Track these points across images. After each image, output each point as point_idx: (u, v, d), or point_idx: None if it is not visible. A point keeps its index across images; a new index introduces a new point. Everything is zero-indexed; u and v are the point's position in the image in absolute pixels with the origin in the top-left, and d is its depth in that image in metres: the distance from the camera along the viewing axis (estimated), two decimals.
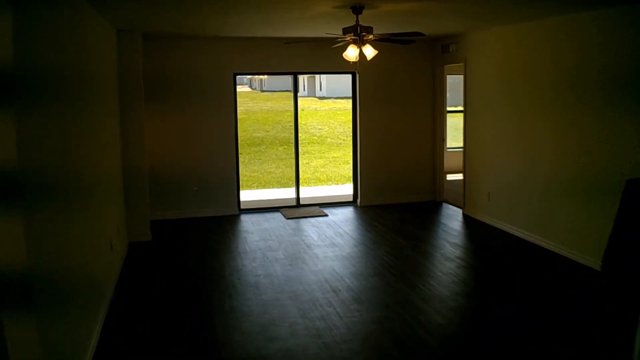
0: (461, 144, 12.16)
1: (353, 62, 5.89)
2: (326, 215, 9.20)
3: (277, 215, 9.22)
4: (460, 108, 12.54)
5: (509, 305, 5.45)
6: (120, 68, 7.44)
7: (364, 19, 5.72)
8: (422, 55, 9.79)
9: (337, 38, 5.87)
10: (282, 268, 6.60)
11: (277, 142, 18.04)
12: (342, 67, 8.27)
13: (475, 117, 8.72)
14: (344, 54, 5.77)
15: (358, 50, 5.73)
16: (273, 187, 13.87)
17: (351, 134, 10.13)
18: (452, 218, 8.95)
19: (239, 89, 10.41)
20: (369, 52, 5.76)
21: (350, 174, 10.46)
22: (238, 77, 9.44)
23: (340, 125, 21.14)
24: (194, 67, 8.94)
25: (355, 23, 5.58)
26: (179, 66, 8.88)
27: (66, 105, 4.13)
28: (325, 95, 27.66)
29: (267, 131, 19.53)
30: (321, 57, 9.03)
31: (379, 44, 6.03)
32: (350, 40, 5.73)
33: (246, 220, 8.94)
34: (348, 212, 9.47)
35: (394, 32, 5.81)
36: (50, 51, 3.76)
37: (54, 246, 3.49)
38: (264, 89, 29.16)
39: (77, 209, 4.30)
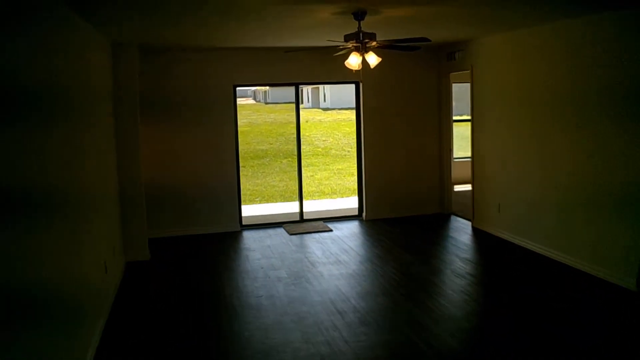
0: (467, 154, 11.88)
1: (356, 70, 5.59)
2: (331, 230, 8.89)
3: (280, 231, 8.91)
4: (465, 117, 12.30)
5: (528, 326, 5.10)
6: (116, 82, 7.17)
7: (367, 26, 5.44)
8: (427, 64, 9.51)
9: (339, 46, 5.58)
10: (284, 288, 6.28)
11: (281, 154, 17.78)
12: (345, 76, 8.00)
13: (483, 126, 8.41)
14: (346, 62, 5.48)
15: (361, 58, 5.44)
16: (276, 201, 13.56)
17: (355, 145, 9.83)
18: (461, 231, 8.62)
19: (243, 101, 10.18)
20: (372, 59, 5.47)
21: (355, 186, 10.15)
22: (242, 89, 9.17)
23: (344, 136, 20.89)
24: (192, 80, 8.66)
25: (357, 29, 5.30)
26: (177, 79, 8.60)
27: (51, 121, 3.86)
28: (329, 106, 27.49)
29: (271, 144, 19.27)
30: (323, 67, 8.77)
31: (382, 52, 5.74)
32: (353, 47, 5.45)
33: (248, 237, 8.63)
34: (353, 227, 9.15)
35: (398, 38, 5.51)
36: (36, 68, 3.53)
37: (30, 267, 3.20)
38: (268, 101, 29.01)
39: (60, 229, 4.01)
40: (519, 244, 7.55)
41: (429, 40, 5.22)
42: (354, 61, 5.43)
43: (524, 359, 4.45)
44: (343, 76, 8.20)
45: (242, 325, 5.32)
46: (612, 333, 4.86)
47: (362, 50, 5.40)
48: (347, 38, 5.38)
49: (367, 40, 5.33)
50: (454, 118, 10.86)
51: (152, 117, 8.34)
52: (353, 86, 9.62)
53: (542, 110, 7.07)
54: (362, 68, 5.63)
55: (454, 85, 9.94)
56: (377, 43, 5.40)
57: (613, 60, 5.88)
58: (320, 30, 6.37)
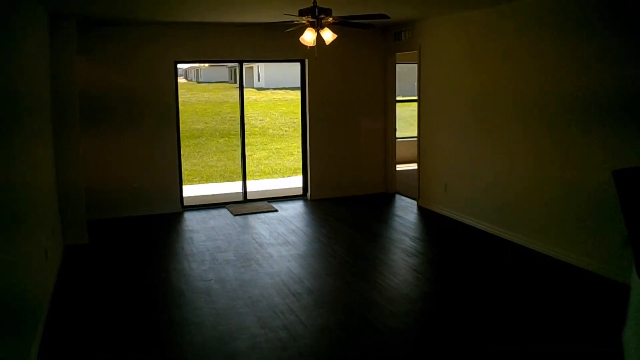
0: (405, 134, 12.00)
1: (310, 47, 5.43)
2: (276, 210, 8.74)
3: (224, 212, 8.68)
4: (406, 98, 12.37)
5: (484, 304, 5.13)
6: (53, 59, 6.72)
7: (322, 1, 5.27)
8: (373, 42, 9.41)
9: (294, 21, 5.40)
10: (234, 271, 6.10)
11: (218, 133, 17.39)
12: (292, 54, 7.80)
13: (430, 106, 8.42)
14: (301, 38, 5.31)
15: (316, 34, 5.28)
16: (216, 182, 13.25)
17: (293, 124, 9.70)
18: (407, 210, 8.64)
19: None
20: (328, 35, 5.32)
21: (296, 165, 10.04)
22: None
23: (281, 116, 20.65)
24: (132, 55, 8.24)
25: (312, 4, 5.13)
26: (116, 54, 8.17)
27: None
28: (263, 86, 27.10)
29: (206, 123, 18.83)
30: (270, 43, 8.55)
31: (336, 28, 5.59)
32: (307, 23, 5.27)
33: (191, 219, 8.37)
34: (298, 207, 9.03)
35: (355, 14, 5.37)
36: None
37: None
38: (200, 80, 28.32)
39: None
40: (466, 222, 7.62)
41: (388, 17, 5.11)
42: (309, 37, 5.26)
43: (478, 334, 4.47)
44: (290, 54, 8.00)
45: (192, 311, 5.11)
46: (559, 307, 4.94)
47: (318, 25, 5.24)
48: (302, 13, 5.20)
49: (322, 16, 5.17)
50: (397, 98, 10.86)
51: (89, 95, 7.90)
52: (289, 66, 9.42)
53: (488, 92, 7.11)
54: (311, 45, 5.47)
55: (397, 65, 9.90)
56: (333, 19, 5.25)
57: (568, 41, 5.94)
58: (272, 5, 6.15)
